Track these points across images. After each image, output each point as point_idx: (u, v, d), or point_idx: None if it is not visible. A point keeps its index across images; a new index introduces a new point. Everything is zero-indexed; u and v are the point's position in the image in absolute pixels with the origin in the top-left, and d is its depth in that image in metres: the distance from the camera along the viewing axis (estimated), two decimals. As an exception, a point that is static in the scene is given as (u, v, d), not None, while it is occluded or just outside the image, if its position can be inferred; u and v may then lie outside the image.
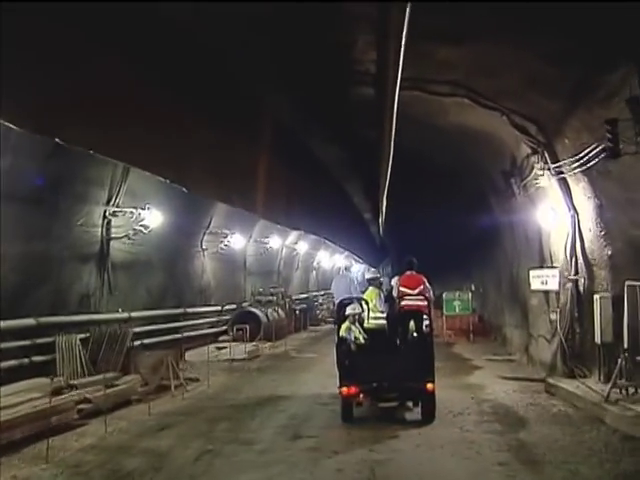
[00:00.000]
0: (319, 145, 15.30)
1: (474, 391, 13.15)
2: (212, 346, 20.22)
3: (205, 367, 16.53)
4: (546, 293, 14.65)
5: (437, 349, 17.08)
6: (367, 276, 12.78)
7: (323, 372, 15.70)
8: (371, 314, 10.89)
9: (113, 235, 15.40)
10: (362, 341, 10.43)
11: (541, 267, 14.76)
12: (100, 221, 15.05)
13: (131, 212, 15.42)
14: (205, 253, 21.72)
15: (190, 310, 19.88)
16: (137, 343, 15.68)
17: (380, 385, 9.75)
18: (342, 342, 10.32)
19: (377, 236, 44.17)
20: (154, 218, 15.63)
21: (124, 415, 11.19)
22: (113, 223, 15.32)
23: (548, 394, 12.51)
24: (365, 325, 10.70)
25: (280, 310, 25.56)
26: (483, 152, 16.67)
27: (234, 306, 23.48)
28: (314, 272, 39.76)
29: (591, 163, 10.61)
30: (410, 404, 10.43)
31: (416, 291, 10.49)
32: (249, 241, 25.72)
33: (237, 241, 22.60)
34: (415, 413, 10.37)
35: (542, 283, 13.86)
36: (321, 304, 37.34)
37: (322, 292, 39.16)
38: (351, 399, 9.92)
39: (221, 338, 21.67)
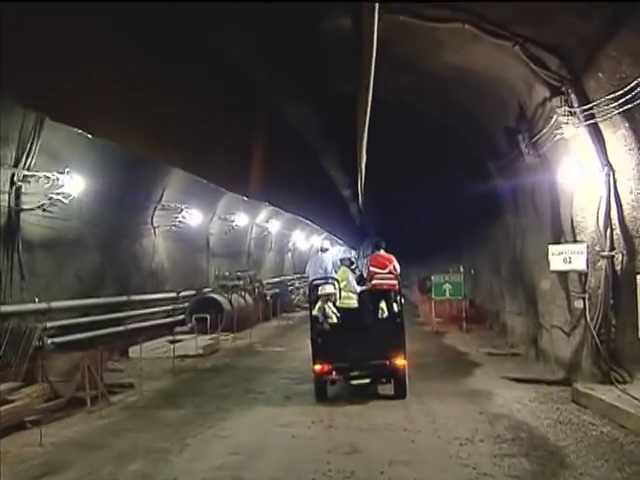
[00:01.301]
0: (291, 109, 13.67)
1: (480, 402, 10.07)
2: (164, 339, 17.12)
3: (151, 366, 13.42)
4: (563, 274, 11.60)
5: (427, 340, 16.18)
6: (339, 256, 12.31)
7: (291, 372, 12.81)
8: (343, 293, 10.70)
9: (24, 206, 12.05)
10: (335, 320, 10.43)
11: (558, 242, 11.65)
12: (7, 188, 11.70)
13: (46, 177, 12.04)
14: (157, 231, 18.38)
15: (136, 298, 16.59)
16: (60, 340, 12.44)
17: (352, 363, 9.92)
18: (315, 321, 10.37)
19: (357, 216, 42.05)
20: (76, 185, 12.27)
21: (3, 448, 7.88)
22: (24, 190, 11.96)
23: (578, 406, 9.48)
24: (337, 304, 10.60)
25: (248, 296, 22.75)
26: (483, 105, 13.66)
27: (193, 292, 20.17)
28: (289, 254, 37.20)
29: (636, 102, 8.01)
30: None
31: (386, 270, 10.66)
32: (212, 218, 22.46)
33: (195, 217, 19.28)
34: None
35: (564, 262, 10.80)
36: (297, 288, 35.01)
37: (298, 275, 36.87)
38: (324, 377, 10.01)
39: (177, 329, 18.40)
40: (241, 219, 23.65)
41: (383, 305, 10.62)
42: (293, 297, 32.07)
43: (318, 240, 40.82)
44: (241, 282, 23.09)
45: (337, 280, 10.79)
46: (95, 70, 8.34)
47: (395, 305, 10.66)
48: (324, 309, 10.41)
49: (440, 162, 19.01)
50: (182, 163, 14.71)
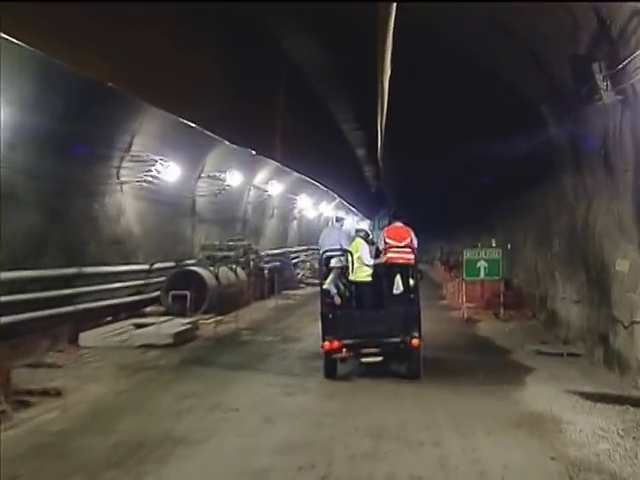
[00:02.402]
0: (297, 42, 13.46)
1: (548, 436, 7.18)
2: (130, 322, 14.30)
3: (102, 360, 10.71)
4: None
5: (456, 330, 14.67)
6: (358, 227, 11.73)
7: (282, 375, 10.50)
8: (356, 266, 10.44)
9: None
10: (346, 294, 10.57)
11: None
12: None
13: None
14: (124, 188, 15.47)
15: (91, 270, 13.71)
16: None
17: (364, 340, 9.90)
18: (326, 295, 10.41)
19: (373, 182, 39.70)
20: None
21: None
22: None
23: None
24: (350, 278, 10.55)
25: (240, 270, 20.01)
26: (541, 25, 10.45)
27: (172, 264, 17.32)
28: (294, 222, 34.53)
29: None
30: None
31: (403, 243, 10.57)
32: (199, 176, 19.56)
33: (173, 172, 16.32)
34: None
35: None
36: (303, 262, 32.85)
37: (304, 247, 34.84)
38: (334, 354, 9.94)
39: (149, 310, 15.66)
40: (235, 179, 20.71)
41: (398, 280, 10.49)
42: (298, 272, 29.65)
43: (328, 208, 39.94)
44: (233, 253, 20.43)
45: (350, 252, 10.51)
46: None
47: (411, 280, 10.49)
48: (336, 282, 10.48)
49: (473, 113, 16.08)
50: (162, 101, 12.53)
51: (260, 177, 24.98)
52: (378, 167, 31.88)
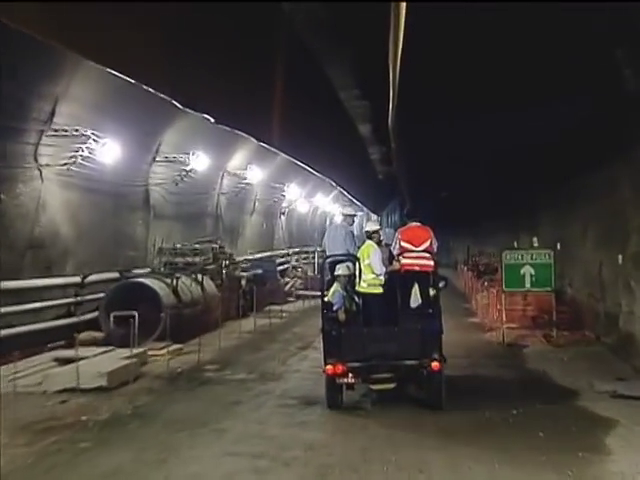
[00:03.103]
0: None
1: None
2: (51, 356, 12.65)
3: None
4: None
5: (497, 360, 13.81)
6: (366, 227, 11.45)
7: (256, 437, 8.85)
8: (366, 275, 10.54)
9: None
10: (353, 308, 10.68)
11: None
12: None
13: None
14: (45, 172, 13.65)
15: (-7, 286, 11.82)
16: None
17: (374, 363, 9.95)
18: (329, 309, 10.48)
19: (380, 165, 38.01)
20: None
21: None
22: None
23: None
24: (357, 289, 10.64)
25: (208, 281, 18.50)
26: None
27: (115, 275, 15.58)
28: (282, 219, 33.82)
29: None
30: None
31: (421, 247, 10.66)
32: (154, 158, 18.36)
33: (111, 152, 14.48)
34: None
35: None
36: (294, 268, 32.26)
37: (296, 249, 34.78)
38: (338, 379, 9.98)
39: (83, 336, 13.85)
40: (201, 162, 19.26)
41: (416, 291, 10.62)
42: (286, 281, 28.63)
43: (325, 200, 39.83)
44: (199, 259, 18.98)
45: (357, 258, 10.65)
46: None
47: (431, 291, 10.61)
48: (341, 294, 10.53)
49: (514, 61, 14.29)
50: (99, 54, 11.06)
51: (236, 161, 23.82)
52: (388, 148, 30.26)
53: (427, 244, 10.60)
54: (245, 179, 24.44)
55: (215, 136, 19.24)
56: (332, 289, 10.59)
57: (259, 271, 23.76)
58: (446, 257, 37.57)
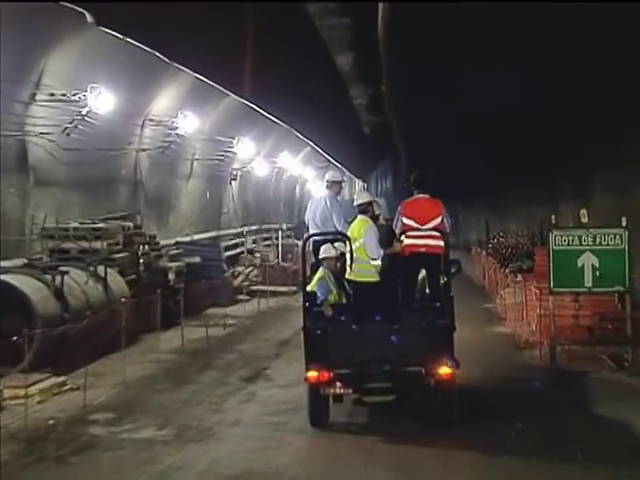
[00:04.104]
0: None
1: None
2: None
3: None
4: None
5: (544, 400, 12.72)
6: (357, 199, 11.91)
7: None
8: (358, 259, 10.88)
9: None
10: (342, 300, 11.06)
11: None
12: None
13: None
14: None
15: None
16: None
17: (368, 369, 10.15)
18: (312, 301, 10.71)
19: (367, 114, 40.74)
20: None
21: None
22: None
23: None
24: (348, 276, 11.04)
25: (115, 277, 17.27)
26: None
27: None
28: (233, 185, 32.77)
29: None
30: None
31: (429, 225, 11.02)
32: (33, 97, 16.87)
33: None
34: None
35: None
36: (251, 253, 32.45)
37: (254, 227, 35.03)
38: (323, 390, 10.24)
39: None
40: (105, 102, 17.39)
41: (422, 279, 11.11)
42: (239, 271, 28.15)
43: (294, 161, 39.84)
44: (103, 244, 17.49)
45: (347, 238, 10.91)
46: None
47: (441, 280, 11.02)
48: (326, 282, 10.80)
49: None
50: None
51: (162, 104, 22.36)
52: (376, 89, 30.40)
53: (437, 221, 10.87)
54: (176, 129, 22.97)
55: (128, 66, 18.25)
56: (316, 276, 10.93)
57: (196, 260, 22.99)
58: (454, 237, 37.90)
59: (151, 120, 22.08)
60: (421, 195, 11.21)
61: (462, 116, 25.12)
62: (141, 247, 19.37)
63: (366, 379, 10.14)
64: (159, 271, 19.95)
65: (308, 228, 12.03)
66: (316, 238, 11.39)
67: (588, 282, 13.93)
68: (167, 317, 18.71)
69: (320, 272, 10.99)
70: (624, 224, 15.39)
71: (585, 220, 18.95)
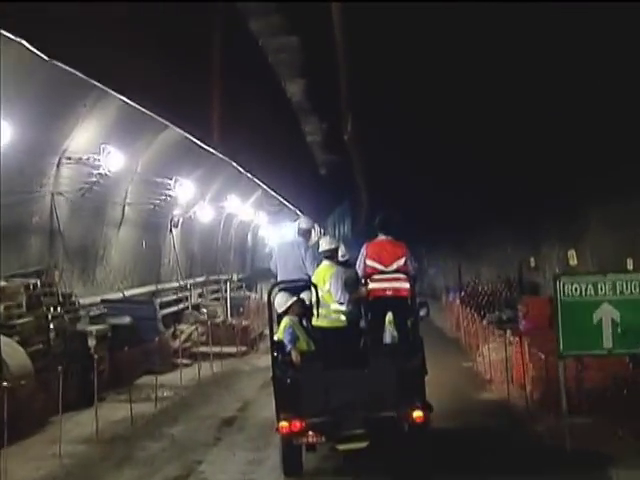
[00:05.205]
0: None
1: None
2: None
3: None
4: None
5: None
6: (322, 246, 12.36)
7: None
8: (326, 305, 11.44)
9: None
10: (311, 348, 11.39)
11: None
12: None
13: None
14: None
15: None
16: None
17: (340, 416, 10.46)
18: (280, 350, 11.18)
19: (323, 152, 40.73)
20: None
21: None
22: None
23: None
24: (315, 323, 11.52)
25: (12, 348, 14.89)
26: None
27: None
28: (174, 233, 30.30)
29: None
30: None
31: (393, 266, 11.47)
32: None
33: None
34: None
35: None
36: (197, 309, 30.81)
37: (200, 280, 33.36)
38: (296, 440, 10.62)
39: None
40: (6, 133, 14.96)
41: (389, 322, 11.40)
42: (181, 330, 25.80)
43: (245, 206, 38.49)
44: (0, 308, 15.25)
45: (313, 284, 11.41)
46: None
47: (408, 322, 11.47)
48: (292, 329, 11.15)
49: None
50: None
51: (82, 138, 19.58)
52: (334, 123, 29.44)
53: (401, 262, 11.30)
54: (99, 168, 20.32)
55: (36, 93, 15.75)
56: (282, 324, 11.25)
57: (125, 320, 20.47)
58: (418, 282, 37.09)
59: (68, 158, 19.39)
60: (384, 237, 11.64)
61: (430, 149, 23.81)
62: (52, 309, 16.94)
63: (339, 426, 10.34)
64: (76, 337, 17.47)
65: (276, 275, 12.39)
66: (282, 286, 11.72)
67: (608, 342, 11.69)
68: (87, 392, 16.02)
69: (285, 320, 11.21)
70: (630, 267, 13.54)
71: (574, 262, 18.50)
